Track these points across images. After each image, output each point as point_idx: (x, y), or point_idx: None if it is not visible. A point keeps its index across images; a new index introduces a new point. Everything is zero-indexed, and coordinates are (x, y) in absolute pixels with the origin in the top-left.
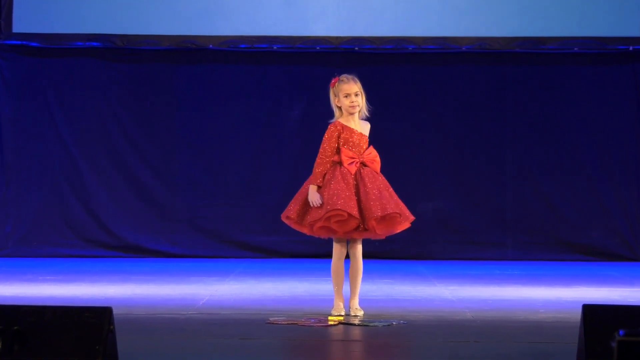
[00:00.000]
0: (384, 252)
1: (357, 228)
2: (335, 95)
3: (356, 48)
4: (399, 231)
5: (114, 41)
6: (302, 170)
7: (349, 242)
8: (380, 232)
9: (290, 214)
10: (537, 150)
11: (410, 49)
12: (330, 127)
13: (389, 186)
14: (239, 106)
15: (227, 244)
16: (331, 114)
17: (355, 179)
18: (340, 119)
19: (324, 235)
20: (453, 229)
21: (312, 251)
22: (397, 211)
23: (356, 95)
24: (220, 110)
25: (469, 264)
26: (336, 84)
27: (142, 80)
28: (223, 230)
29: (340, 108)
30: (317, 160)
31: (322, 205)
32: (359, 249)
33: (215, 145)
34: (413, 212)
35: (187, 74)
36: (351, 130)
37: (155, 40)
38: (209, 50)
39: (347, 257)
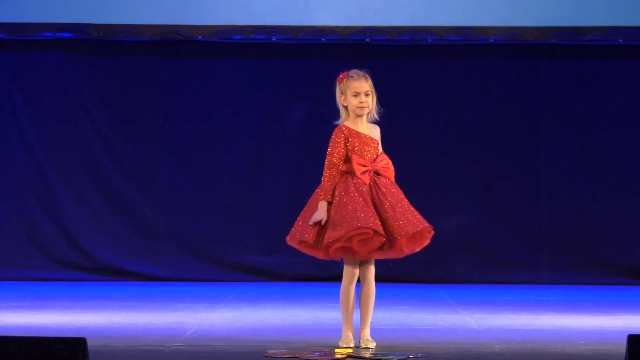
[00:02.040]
0: (400, 275)
1: (381, 247)
2: (342, 93)
3: (367, 40)
4: (420, 249)
5: (88, 32)
6: (305, 180)
7: (360, 263)
8: (407, 251)
9: (306, 237)
10: (575, 157)
11: (429, 40)
12: (336, 132)
13: (405, 198)
14: (232, 107)
15: (219, 265)
16: (338, 115)
17: (371, 191)
18: (347, 121)
19: (340, 256)
20: (479, 248)
21: (317, 274)
22: (427, 225)
23: (366, 94)
24: (211, 112)
25: (497, 288)
26: (344, 79)
27: (121, 76)
28: (214, 250)
29: (346, 108)
30: (325, 172)
31: (335, 223)
32: (371, 270)
33: (206, 152)
34: (433, 228)
35: (173, 69)
36: (359, 134)
37: (136, 31)
38: (198, 42)
39: (357, 280)
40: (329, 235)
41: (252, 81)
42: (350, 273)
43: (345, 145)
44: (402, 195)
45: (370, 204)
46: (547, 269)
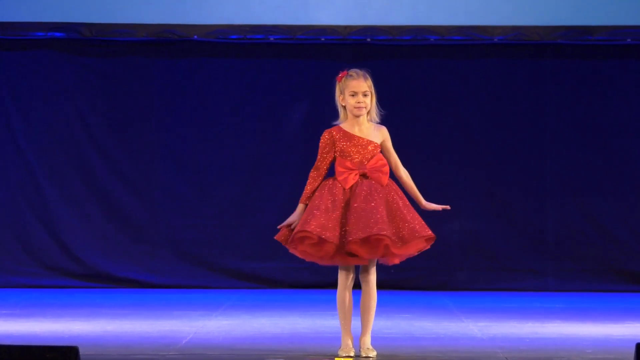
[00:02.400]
0: (401, 281)
1: (340, 253)
2: (340, 92)
3: (368, 39)
4: (414, 252)
5: (80, 31)
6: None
7: (360, 268)
8: (368, 256)
9: (278, 234)
10: (583, 160)
11: (432, 40)
12: (322, 136)
13: (398, 200)
14: (229, 108)
15: (216, 271)
16: (338, 116)
17: (349, 195)
18: (345, 122)
19: (316, 260)
20: (483, 253)
21: (316, 280)
22: (385, 233)
23: (365, 95)
24: (208, 114)
25: (502, 295)
26: (343, 78)
27: (115, 77)
28: (211, 256)
29: (345, 108)
30: (309, 174)
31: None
32: (372, 277)
33: (202, 155)
34: (436, 233)
35: (168, 70)
36: (350, 137)
37: (130, 30)
38: (194, 41)
39: (360, 286)
40: (287, 234)
41: (249, 82)
42: (343, 278)
43: (333, 148)
44: (392, 197)
45: (339, 208)
46: (553, 276)
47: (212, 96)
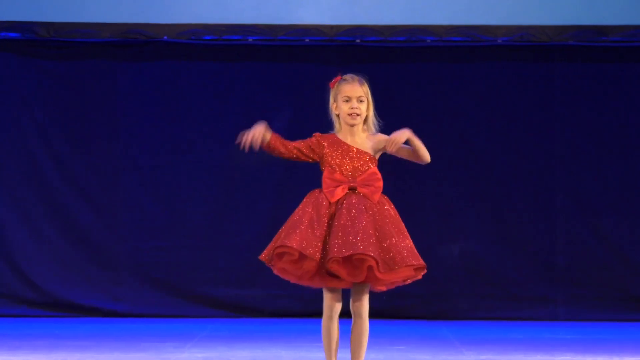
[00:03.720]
0: (396, 309)
1: (320, 272)
2: (334, 99)
3: (358, 40)
4: (400, 281)
5: (37, 31)
6: (288, 201)
7: (350, 297)
8: (350, 278)
9: (263, 253)
10: (596, 175)
11: (429, 41)
12: (313, 135)
13: (390, 220)
14: (203, 117)
15: (188, 299)
16: (327, 127)
17: (335, 209)
18: (339, 132)
19: (295, 280)
20: (486, 279)
21: (299, 308)
22: (371, 253)
23: (360, 101)
24: (179, 123)
25: (507, 325)
26: (336, 84)
27: (75, 82)
28: (183, 281)
29: (339, 117)
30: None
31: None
32: (364, 305)
33: (173, 169)
34: (433, 256)
35: (135, 74)
36: (342, 145)
37: (93, 30)
38: (164, 42)
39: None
40: (265, 251)
41: (225, 88)
42: (328, 304)
43: (313, 151)
44: (371, 216)
45: (323, 223)
46: (564, 304)
47: (184, 104)
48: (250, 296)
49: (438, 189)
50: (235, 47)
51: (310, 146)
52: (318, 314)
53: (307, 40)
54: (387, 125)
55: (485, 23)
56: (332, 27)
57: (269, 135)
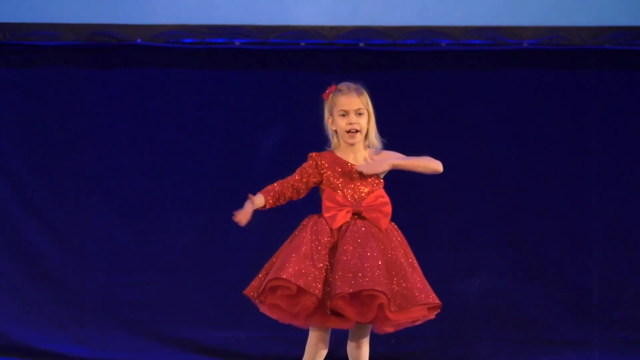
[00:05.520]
0: (405, 355)
1: (321, 310)
2: (329, 113)
3: (361, 44)
4: (411, 321)
5: None
6: (279, 229)
7: (348, 339)
8: (356, 318)
9: (249, 287)
10: (638, 199)
11: (443, 45)
12: (308, 157)
13: (400, 251)
14: (183, 133)
15: (164, 342)
16: (326, 142)
17: (337, 237)
18: (337, 150)
19: (289, 320)
20: (509, 319)
21: (294, 353)
22: (381, 289)
23: (359, 114)
24: (154, 139)
25: None
26: (331, 95)
27: (34, 91)
28: (157, 322)
29: (337, 133)
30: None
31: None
32: (363, 351)
33: (146, 192)
34: (449, 292)
35: (103, 82)
36: (343, 165)
37: (55, 32)
38: (137, 46)
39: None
40: (255, 283)
41: (209, 99)
42: (312, 345)
43: (318, 174)
44: (380, 247)
45: (324, 254)
46: (600, 348)
47: (161, 118)
48: (236, 339)
49: (454, 214)
50: (220, 52)
51: (308, 171)
52: None
53: (302, 43)
54: (394, 140)
55: (509, 24)
56: (331, 28)
57: (261, 202)
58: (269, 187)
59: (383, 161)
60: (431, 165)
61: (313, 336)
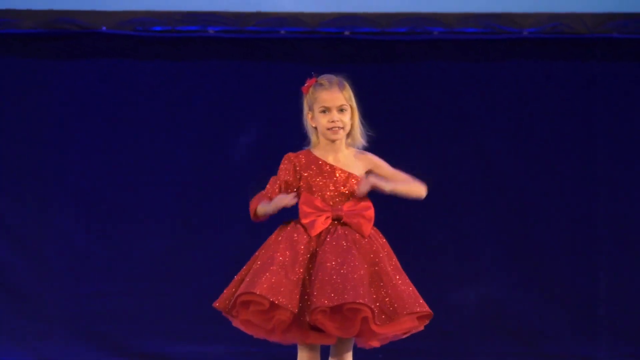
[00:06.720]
0: None
1: (299, 325)
2: (309, 109)
3: (347, 32)
4: (401, 333)
5: None
6: (257, 235)
7: (330, 353)
8: (338, 333)
9: (219, 299)
10: None
11: (436, 33)
12: (282, 160)
13: (384, 259)
14: (152, 129)
15: (134, 357)
16: (302, 140)
17: (316, 245)
18: (317, 147)
19: (263, 335)
20: (509, 332)
21: None
22: (365, 301)
23: (341, 110)
24: (122, 137)
25: None
26: (310, 89)
27: None
28: (126, 336)
29: (317, 129)
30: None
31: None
32: None
33: (114, 195)
34: (444, 303)
35: (66, 74)
36: (321, 166)
37: (12, 19)
38: (102, 34)
39: None
40: (226, 294)
41: (181, 92)
42: None
43: (295, 177)
44: (363, 255)
45: (301, 264)
46: None
47: (130, 113)
48: (213, 354)
49: (449, 220)
50: (193, 40)
51: (286, 179)
52: None
53: (282, 31)
54: (382, 138)
55: (508, 11)
56: (314, 15)
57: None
58: (266, 200)
59: (363, 182)
60: (414, 191)
61: (302, 354)
